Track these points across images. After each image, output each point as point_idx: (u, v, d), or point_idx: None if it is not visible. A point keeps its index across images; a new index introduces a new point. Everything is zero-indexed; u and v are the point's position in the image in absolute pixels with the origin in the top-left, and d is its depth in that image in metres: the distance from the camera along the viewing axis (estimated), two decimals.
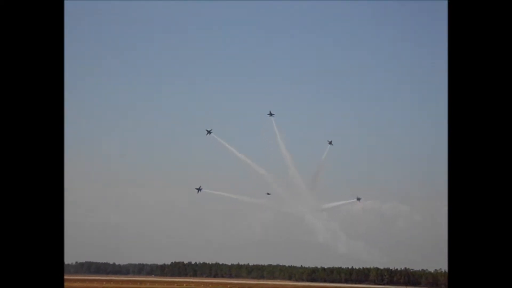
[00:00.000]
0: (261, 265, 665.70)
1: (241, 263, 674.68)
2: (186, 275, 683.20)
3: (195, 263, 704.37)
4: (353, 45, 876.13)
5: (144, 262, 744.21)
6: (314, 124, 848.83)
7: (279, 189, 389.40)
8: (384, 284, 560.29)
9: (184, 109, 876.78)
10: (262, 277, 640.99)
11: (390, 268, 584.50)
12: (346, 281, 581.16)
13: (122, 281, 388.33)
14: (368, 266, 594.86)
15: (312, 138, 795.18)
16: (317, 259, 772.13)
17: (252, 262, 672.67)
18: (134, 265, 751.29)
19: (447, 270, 50.99)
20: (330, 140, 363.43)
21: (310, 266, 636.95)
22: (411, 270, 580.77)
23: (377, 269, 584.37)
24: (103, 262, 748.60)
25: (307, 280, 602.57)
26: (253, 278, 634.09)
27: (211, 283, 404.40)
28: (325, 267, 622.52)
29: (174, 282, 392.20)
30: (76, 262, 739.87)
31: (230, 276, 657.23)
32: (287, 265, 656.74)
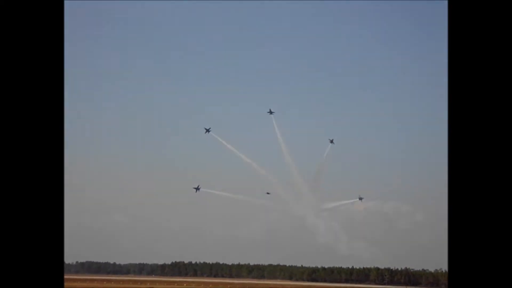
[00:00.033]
0: (262, 265, 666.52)
1: (242, 263, 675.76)
2: (186, 275, 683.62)
3: (196, 263, 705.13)
4: (354, 44, 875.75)
5: (145, 262, 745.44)
6: (315, 122, 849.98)
7: (279, 188, 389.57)
8: (384, 284, 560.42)
9: (183, 108, 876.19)
10: (262, 277, 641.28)
11: (391, 268, 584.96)
12: (347, 281, 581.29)
13: (123, 281, 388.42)
14: (368, 266, 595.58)
15: (313, 137, 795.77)
16: (317, 259, 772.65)
17: (252, 262, 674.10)
18: (135, 265, 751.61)
19: (447, 270, 50.92)
20: (331, 139, 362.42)
21: (311, 266, 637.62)
22: (412, 270, 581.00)
23: (377, 269, 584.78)
24: (103, 262, 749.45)
25: (308, 280, 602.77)
26: (253, 278, 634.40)
27: (212, 283, 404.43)
28: (326, 267, 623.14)
29: (174, 282, 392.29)
30: (77, 262, 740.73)
31: (231, 276, 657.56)
32: (287, 265, 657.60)
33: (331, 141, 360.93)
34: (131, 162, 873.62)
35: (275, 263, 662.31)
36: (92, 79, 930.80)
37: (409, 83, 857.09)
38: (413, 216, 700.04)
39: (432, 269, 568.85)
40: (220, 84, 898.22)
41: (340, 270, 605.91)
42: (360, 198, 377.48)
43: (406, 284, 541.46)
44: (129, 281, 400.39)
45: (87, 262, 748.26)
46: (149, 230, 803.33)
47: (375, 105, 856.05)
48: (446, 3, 55.03)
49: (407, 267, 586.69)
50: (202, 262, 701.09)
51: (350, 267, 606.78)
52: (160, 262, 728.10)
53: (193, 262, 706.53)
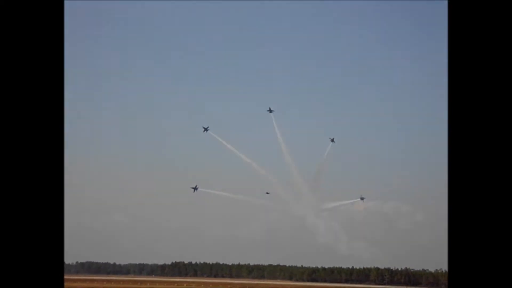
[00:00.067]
0: (262, 265, 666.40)
1: (242, 263, 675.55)
2: (186, 275, 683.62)
3: (196, 263, 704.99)
4: (354, 44, 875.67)
5: (145, 262, 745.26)
6: (315, 122, 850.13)
7: (279, 188, 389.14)
8: (384, 284, 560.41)
9: (183, 108, 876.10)
10: (262, 277, 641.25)
11: (391, 268, 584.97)
12: (347, 281, 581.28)
13: (123, 281, 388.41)
14: (368, 266, 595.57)
15: (313, 136, 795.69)
16: (317, 259, 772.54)
17: (252, 262, 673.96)
18: (135, 265, 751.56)
19: (447, 270, 50.93)
20: (332, 138, 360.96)
21: (311, 266, 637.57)
22: (412, 270, 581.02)
23: (377, 269, 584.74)
24: (103, 262, 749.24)
25: (308, 280, 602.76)
26: (253, 278, 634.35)
27: (212, 283, 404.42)
28: (326, 267, 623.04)
29: (174, 282, 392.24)
30: (77, 262, 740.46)
31: (231, 276, 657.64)
32: (287, 265, 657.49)
33: (332, 140, 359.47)
34: (131, 162, 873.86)
35: (275, 263, 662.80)
36: (92, 79, 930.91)
37: (409, 83, 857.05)
38: (413, 216, 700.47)
39: (432, 269, 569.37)
40: (220, 84, 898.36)
41: (340, 270, 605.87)
42: (362, 198, 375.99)
43: (406, 284, 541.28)
44: (129, 281, 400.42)
45: (87, 262, 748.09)
46: (149, 230, 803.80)
47: (375, 105, 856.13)
48: (446, 3, 55.06)
49: (407, 267, 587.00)
50: (202, 262, 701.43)
51: (350, 267, 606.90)
52: (160, 263, 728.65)
53: (193, 262, 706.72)
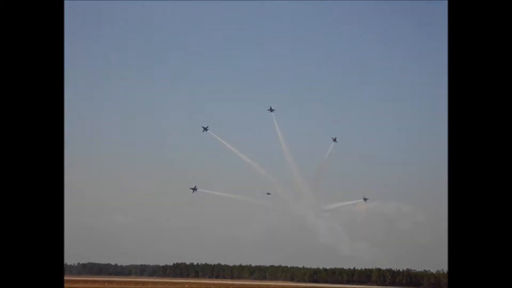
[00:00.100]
0: (263, 266, 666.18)
1: (243, 264, 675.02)
2: (188, 276, 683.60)
3: (197, 264, 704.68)
4: (354, 44, 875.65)
5: (146, 263, 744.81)
6: (315, 122, 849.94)
7: (280, 188, 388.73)
8: (386, 285, 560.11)
9: (183, 108, 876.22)
10: (264, 278, 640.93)
11: (392, 269, 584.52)
12: (348, 282, 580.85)
13: (124, 282, 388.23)
14: (370, 267, 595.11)
15: (313, 137, 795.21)
16: (319, 260, 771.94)
17: (254, 263, 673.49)
18: (136, 266, 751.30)
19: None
20: (334, 137, 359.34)
21: (312, 267, 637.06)
22: (413, 271, 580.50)
23: (379, 270, 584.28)
24: (105, 263, 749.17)
25: (309, 281, 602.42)
26: (255, 279, 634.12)
27: (213, 284, 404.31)
28: (327, 268, 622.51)
29: (176, 283, 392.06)
30: (78, 263, 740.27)
31: (232, 277, 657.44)
32: (289, 266, 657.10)
33: (334, 140, 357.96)
34: (131, 162, 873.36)
35: (276, 264, 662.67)
36: (92, 79, 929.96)
37: (409, 83, 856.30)
38: (415, 217, 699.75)
39: (433, 270, 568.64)
40: (220, 84, 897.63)
41: (341, 271, 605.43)
42: (365, 199, 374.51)
43: (408, 285, 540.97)
44: (130, 282, 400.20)
45: (88, 263, 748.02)
46: (150, 231, 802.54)
47: (375, 105, 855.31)
48: (446, 3, 55.06)
49: (409, 268, 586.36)
50: (203, 263, 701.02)
51: (352, 268, 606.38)
52: (162, 264, 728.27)
53: (195, 263, 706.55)
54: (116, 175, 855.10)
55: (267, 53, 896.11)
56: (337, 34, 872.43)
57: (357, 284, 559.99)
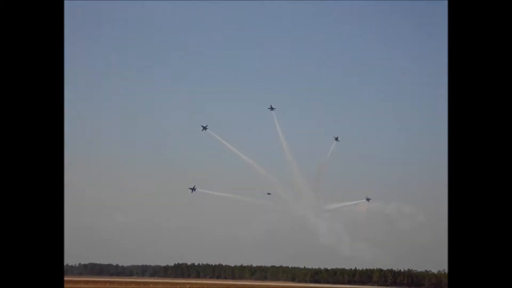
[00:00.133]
0: (264, 266, 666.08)
1: (244, 264, 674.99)
2: (189, 276, 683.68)
3: (198, 264, 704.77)
4: (354, 44, 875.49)
5: (147, 264, 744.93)
6: (315, 122, 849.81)
7: (281, 189, 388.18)
8: (387, 285, 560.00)
9: (183, 108, 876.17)
10: (265, 278, 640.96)
11: (394, 269, 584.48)
12: (349, 282, 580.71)
13: (125, 283, 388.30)
14: (371, 267, 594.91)
15: (313, 137, 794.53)
16: (320, 260, 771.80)
17: (255, 263, 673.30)
18: (137, 267, 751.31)
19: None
20: (336, 136, 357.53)
21: (314, 268, 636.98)
22: (415, 271, 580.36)
23: (380, 270, 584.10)
24: (106, 263, 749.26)
25: (310, 282, 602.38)
26: (256, 279, 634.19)
27: (214, 284, 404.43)
28: (328, 268, 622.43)
29: (177, 284, 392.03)
30: (79, 264, 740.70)
31: (233, 278, 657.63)
32: (290, 267, 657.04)
33: (336, 139, 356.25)
34: (131, 162, 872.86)
35: (277, 265, 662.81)
36: (92, 79, 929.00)
37: (409, 83, 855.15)
38: (416, 217, 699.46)
39: (435, 270, 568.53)
40: (220, 84, 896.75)
41: (343, 271, 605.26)
42: (368, 199, 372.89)
43: (409, 286, 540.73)
44: (132, 282, 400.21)
45: (89, 264, 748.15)
46: (151, 231, 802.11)
47: (375, 105, 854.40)
48: (446, 3, 55.07)
49: (410, 269, 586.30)
50: (204, 263, 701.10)
51: (353, 268, 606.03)
52: (163, 264, 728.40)
53: (196, 263, 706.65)
54: (116, 175, 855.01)
55: (267, 53, 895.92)
56: (337, 34, 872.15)
57: (358, 285, 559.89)
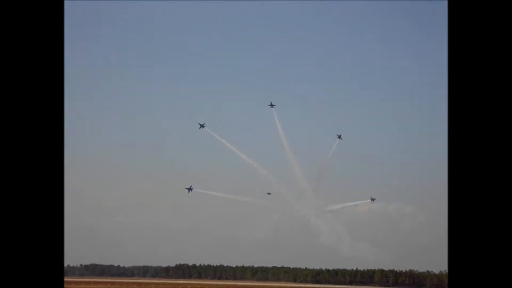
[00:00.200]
0: (266, 267, 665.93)
1: (246, 265, 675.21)
2: (190, 277, 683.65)
3: (200, 265, 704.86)
4: (354, 44, 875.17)
5: (149, 264, 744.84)
6: (315, 123, 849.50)
7: (282, 189, 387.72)
8: (389, 286, 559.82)
9: (183, 108, 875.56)
10: (266, 279, 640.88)
11: (395, 269, 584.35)
12: (351, 283, 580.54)
13: (127, 283, 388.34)
14: (372, 268, 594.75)
15: (313, 137, 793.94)
16: (321, 261, 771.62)
17: (256, 264, 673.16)
18: (139, 267, 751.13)
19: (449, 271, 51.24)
20: (339, 134, 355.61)
21: (315, 268, 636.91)
22: (416, 272, 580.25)
23: (382, 270, 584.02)
24: (107, 264, 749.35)
25: (312, 282, 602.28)
26: (257, 280, 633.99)
27: (216, 285, 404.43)
28: (330, 268, 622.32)
29: (179, 284, 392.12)
30: (81, 265, 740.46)
31: (235, 278, 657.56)
32: (291, 267, 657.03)
33: (339, 137, 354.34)
34: (131, 162, 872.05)
35: (279, 265, 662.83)
36: (92, 79, 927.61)
37: (409, 83, 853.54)
38: (417, 217, 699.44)
39: (436, 271, 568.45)
40: (220, 84, 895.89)
41: (344, 272, 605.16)
42: (373, 199, 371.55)
43: (411, 286, 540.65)
44: (133, 283, 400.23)
45: (91, 265, 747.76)
46: (152, 231, 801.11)
47: (375, 105, 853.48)
48: (446, 3, 55.10)
49: (412, 269, 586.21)
50: (206, 264, 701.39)
51: (355, 269, 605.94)
52: (164, 265, 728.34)
53: (197, 264, 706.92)
54: (116, 175, 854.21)
55: (267, 53, 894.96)
56: (337, 34, 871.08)
57: (360, 285, 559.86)
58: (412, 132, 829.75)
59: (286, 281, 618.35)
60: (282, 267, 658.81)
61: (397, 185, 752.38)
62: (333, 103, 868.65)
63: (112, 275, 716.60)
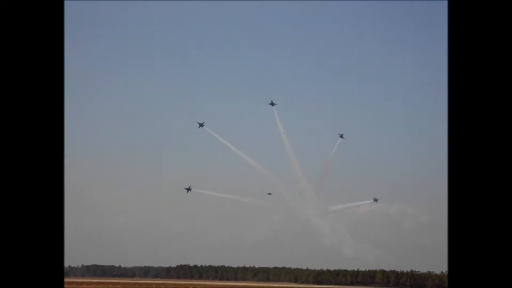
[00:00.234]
0: (267, 267, 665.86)
1: (247, 265, 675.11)
2: (191, 277, 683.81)
3: (201, 265, 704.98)
4: (354, 44, 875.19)
5: (150, 265, 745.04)
6: (314, 123, 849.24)
7: (283, 189, 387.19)
8: (390, 287, 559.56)
9: (183, 108, 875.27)
10: (268, 279, 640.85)
11: (396, 270, 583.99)
12: (352, 284, 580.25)
13: (128, 284, 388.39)
14: (374, 268, 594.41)
15: (313, 137, 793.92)
16: (323, 261, 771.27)
17: (258, 264, 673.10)
18: (140, 268, 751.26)
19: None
20: (341, 134, 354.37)
21: (316, 269, 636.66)
22: (417, 272, 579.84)
23: (383, 271, 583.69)
24: (109, 265, 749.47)
25: (313, 283, 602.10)
26: (259, 280, 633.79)
27: (217, 285, 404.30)
28: (331, 269, 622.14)
29: (180, 285, 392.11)
30: (82, 265, 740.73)
31: (236, 279, 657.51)
32: (293, 268, 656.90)
33: (341, 136, 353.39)
34: (131, 162, 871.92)
35: (280, 266, 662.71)
36: (92, 79, 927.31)
37: (409, 83, 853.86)
38: (418, 218, 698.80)
39: (437, 272, 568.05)
40: (220, 84, 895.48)
41: (345, 272, 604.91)
42: (375, 200, 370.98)
43: (412, 287, 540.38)
44: (135, 284, 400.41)
45: (92, 265, 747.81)
46: (153, 232, 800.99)
47: (375, 105, 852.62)
48: (446, 3, 55.11)
49: (413, 270, 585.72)
50: (207, 264, 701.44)
51: (356, 269, 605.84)
52: (166, 265, 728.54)
53: (199, 265, 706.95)
54: (116, 175, 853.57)
55: (267, 53, 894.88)
56: (337, 34, 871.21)
57: (361, 286, 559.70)
58: (412, 132, 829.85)
59: (288, 282, 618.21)
60: (284, 268, 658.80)
61: (399, 186, 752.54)
62: (333, 104, 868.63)
63: (114, 276, 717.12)
